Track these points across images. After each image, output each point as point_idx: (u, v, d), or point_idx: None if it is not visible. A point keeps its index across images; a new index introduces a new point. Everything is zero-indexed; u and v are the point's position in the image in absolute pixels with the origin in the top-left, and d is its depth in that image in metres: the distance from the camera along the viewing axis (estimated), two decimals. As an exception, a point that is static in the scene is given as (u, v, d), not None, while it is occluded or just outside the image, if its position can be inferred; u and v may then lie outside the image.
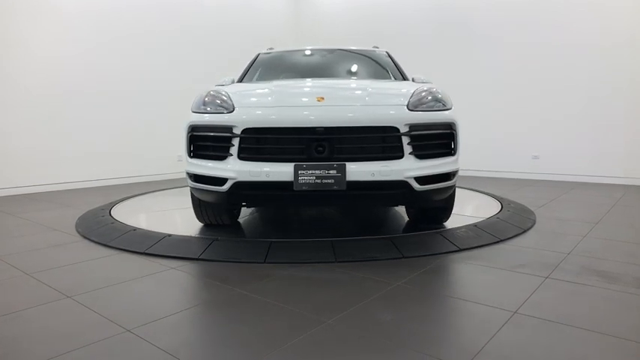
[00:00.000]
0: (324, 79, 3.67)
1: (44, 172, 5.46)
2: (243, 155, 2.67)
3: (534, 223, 3.51)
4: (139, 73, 6.32)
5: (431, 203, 3.02)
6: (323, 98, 2.73)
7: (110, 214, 3.73)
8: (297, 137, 2.62)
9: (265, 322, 1.78)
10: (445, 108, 2.83)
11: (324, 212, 3.95)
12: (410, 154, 2.63)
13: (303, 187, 2.54)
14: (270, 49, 4.54)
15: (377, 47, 4.32)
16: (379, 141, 2.65)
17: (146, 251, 2.76)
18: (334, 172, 2.52)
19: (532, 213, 3.87)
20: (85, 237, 3.17)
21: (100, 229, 3.27)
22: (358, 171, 2.55)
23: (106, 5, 5.96)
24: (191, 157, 2.87)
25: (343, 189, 2.53)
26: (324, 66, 4.07)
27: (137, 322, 1.78)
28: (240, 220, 3.63)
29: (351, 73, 3.92)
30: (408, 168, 2.60)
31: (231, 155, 2.68)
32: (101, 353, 1.54)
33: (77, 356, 1.51)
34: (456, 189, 3.13)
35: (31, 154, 5.34)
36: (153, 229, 3.19)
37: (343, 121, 2.60)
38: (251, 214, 3.85)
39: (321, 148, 2.58)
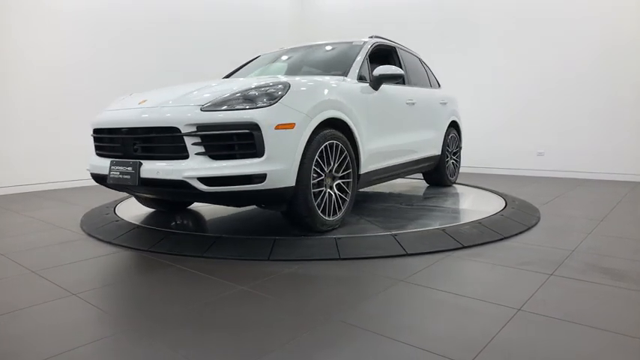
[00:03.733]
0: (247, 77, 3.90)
1: (49, 170, 5.49)
2: (97, 152, 3.17)
3: (539, 220, 3.50)
4: (141, 73, 6.31)
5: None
6: (145, 101, 2.94)
7: (115, 212, 3.74)
8: (113, 137, 2.97)
9: (269, 319, 1.78)
10: (254, 107, 2.57)
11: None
12: (198, 154, 2.56)
13: (111, 181, 2.87)
14: (281, 48, 4.59)
15: (377, 36, 4.23)
16: (166, 141, 2.69)
17: (150, 249, 2.77)
18: (130, 168, 2.76)
19: (536, 210, 3.85)
20: (89, 234, 3.19)
21: (105, 226, 3.29)
22: (148, 169, 2.69)
23: (105, 5, 5.95)
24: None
25: (136, 184, 2.72)
26: (299, 63, 4.10)
27: (142, 319, 1.79)
28: (243, 216, 3.64)
29: (311, 68, 3.94)
30: (188, 168, 2.54)
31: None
32: (107, 350, 1.55)
33: (82, 353, 1.52)
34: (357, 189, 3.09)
35: (35, 152, 5.37)
36: (157, 227, 3.21)
37: (138, 121, 2.78)
38: (253, 210, 3.85)
39: (136, 147, 2.82)
